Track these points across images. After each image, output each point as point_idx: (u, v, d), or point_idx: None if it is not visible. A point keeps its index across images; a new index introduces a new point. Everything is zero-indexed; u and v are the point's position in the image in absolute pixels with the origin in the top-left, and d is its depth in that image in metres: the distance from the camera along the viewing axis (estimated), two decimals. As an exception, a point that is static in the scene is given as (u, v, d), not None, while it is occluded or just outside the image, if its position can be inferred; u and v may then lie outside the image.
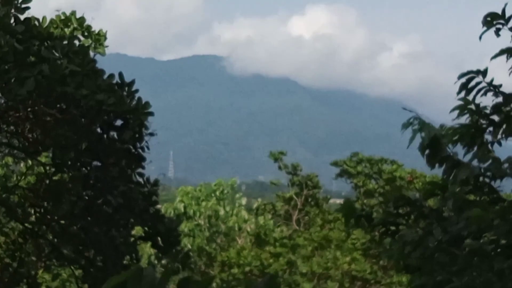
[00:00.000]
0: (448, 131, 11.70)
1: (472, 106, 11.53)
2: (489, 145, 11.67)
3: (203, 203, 49.95)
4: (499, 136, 11.62)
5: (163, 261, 23.79)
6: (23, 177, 21.48)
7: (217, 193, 50.86)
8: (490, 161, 11.55)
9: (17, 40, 16.88)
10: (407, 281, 12.52)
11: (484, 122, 11.57)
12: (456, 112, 11.63)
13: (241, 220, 48.33)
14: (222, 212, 49.53)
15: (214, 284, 38.02)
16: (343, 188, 44.90)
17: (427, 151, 11.78)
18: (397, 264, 13.06)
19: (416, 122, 11.86)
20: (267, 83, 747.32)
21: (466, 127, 11.52)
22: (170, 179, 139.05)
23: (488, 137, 11.71)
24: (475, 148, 11.66)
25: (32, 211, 19.71)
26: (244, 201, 51.26)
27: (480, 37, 11.48)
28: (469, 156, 11.75)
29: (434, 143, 11.74)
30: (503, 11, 11.25)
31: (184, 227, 48.48)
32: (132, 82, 17.90)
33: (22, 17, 17.63)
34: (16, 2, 17.57)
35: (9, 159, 24.49)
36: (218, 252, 43.62)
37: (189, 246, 45.11)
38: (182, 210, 50.60)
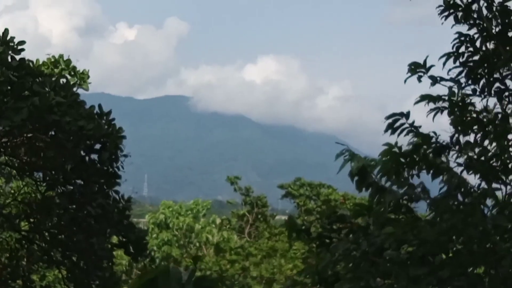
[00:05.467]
0: (371, 162, 11.88)
1: (396, 149, 11.68)
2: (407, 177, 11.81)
3: (181, 218, 50.84)
4: (415, 172, 11.77)
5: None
6: (19, 193, 21.43)
7: (194, 211, 51.71)
8: (406, 187, 11.73)
9: (12, 75, 16.97)
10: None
11: (403, 160, 11.72)
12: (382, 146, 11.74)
13: (210, 234, 48.96)
14: (197, 227, 50.33)
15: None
16: (287, 207, 45.00)
17: (356, 178, 11.93)
18: (313, 278, 13.22)
19: (347, 153, 12.02)
20: (225, 119, 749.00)
21: (390, 162, 11.68)
22: (144, 197, 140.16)
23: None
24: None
25: (27, 222, 19.72)
26: (218, 220, 51.78)
27: (405, 81, 11.66)
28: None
29: (362, 171, 11.91)
30: (425, 61, 11.44)
31: (164, 236, 49.70)
32: (109, 112, 18.05)
33: (17, 57, 17.69)
34: (12, 44, 17.64)
35: (2, 179, 24.42)
36: (183, 258, 43.60)
37: (168, 253, 46.06)
38: (164, 220, 51.16)
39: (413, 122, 11.56)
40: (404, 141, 11.71)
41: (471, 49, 11.36)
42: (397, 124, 11.61)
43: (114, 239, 19.42)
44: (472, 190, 11.41)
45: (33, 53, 18.03)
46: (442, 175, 11.41)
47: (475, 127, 11.42)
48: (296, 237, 13.25)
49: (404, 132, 11.63)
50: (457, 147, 11.60)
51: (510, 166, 11.43)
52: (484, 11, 11.06)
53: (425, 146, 11.59)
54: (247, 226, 47.84)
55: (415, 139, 11.62)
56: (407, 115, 11.54)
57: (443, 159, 11.60)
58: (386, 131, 11.62)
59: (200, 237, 49.53)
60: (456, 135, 11.51)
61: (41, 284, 21.12)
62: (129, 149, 18.27)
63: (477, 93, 11.38)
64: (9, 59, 17.33)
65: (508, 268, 10.91)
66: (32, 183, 20.10)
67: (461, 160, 11.64)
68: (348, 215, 12.77)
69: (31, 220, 19.45)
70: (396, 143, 11.52)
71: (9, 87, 16.91)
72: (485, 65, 11.28)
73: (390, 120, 11.62)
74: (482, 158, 11.44)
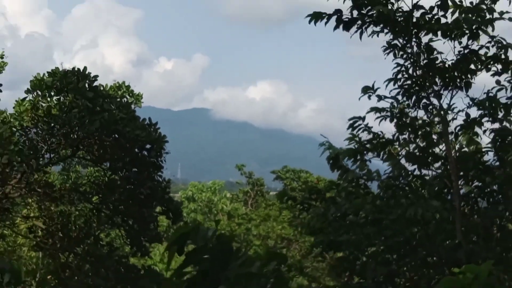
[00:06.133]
0: (342, 151, 11.94)
1: (356, 139, 11.72)
2: (365, 161, 11.87)
3: (204, 194, 51.93)
4: (371, 156, 11.82)
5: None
6: (91, 176, 21.56)
7: (212, 189, 52.69)
8: (365, 170, 11.76)
9: (87, 100, 17.25)
10: (313, 239, 12.57)
11: (362, 147, 11.76)
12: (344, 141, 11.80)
13: (224, 205, 49.79)
14: (215, 200, 51.29)
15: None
16: (277, 186, 45.21)
17: (331, 162, 11.99)
18: (307, 229, 13.24)
19: (327, 144, 12.08)
20: (235, 125, 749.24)
21: (352, 150, 11.72)
22: (178, 179, 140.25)
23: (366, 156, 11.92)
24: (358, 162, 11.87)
25: (97, 197, 19.78)
26: (229, 195, 52.57)
27: (359, 99, 11.66)
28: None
29: (335, 157, 11.96)
30: (373, 85, 11.42)
31: (191, 206, 51.31)
32: (156, 123, 18.17)
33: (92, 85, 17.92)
34: (90, 77, 17.83)
35: (79, 167, 24.57)
36: (207, 221, 44.11)
37: (194, 218, 47.19)
38: (191, 195, 52.50)
39: (367, 123, 11.61)
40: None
41: (406, 75, 11.35)
42: (356, 124, 11.63)
43: (158, 209, 19.50)
44: (409, 173, 11.41)
45: (101, 79, 18.32)
46: (389, 162, 11.40)
47: (410, 129, 11.40)
48: (285, 203, 13.33)
49: (361, 130, 11.64)
50: (397, 143, 11.59)
51: (432, 157, 11.39)
52: (415, 49, 11.03)
53: (374, 141, 11.59)
54: (249, 199, 48.30)
55: (370, 136, 11.66)
56: (363, 118, 11.60)
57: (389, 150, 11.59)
58: (348, 128, 11.67)
59: (217, 207, 50.46)
60: (397, 134, 11.51)
61: (107, 240, 21.13)
62: (168, 146, 18.50)
63: (410, 106, 11.36)
64: (87, 86, 17.70)
65: (433, 229, 10.92)
66: (101, 170, 20.20)
67: (402, 152, 11.64)
68: (322, 189, 12.80)
69: (100, 195, 19.51)
70: (357, 134, 11.59)
71: (86, 106, 17.29)
72: (416, 87, 11.26)
73: (351, 121, 11.64)
74: (415, 151, 11.43)
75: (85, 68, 17.97)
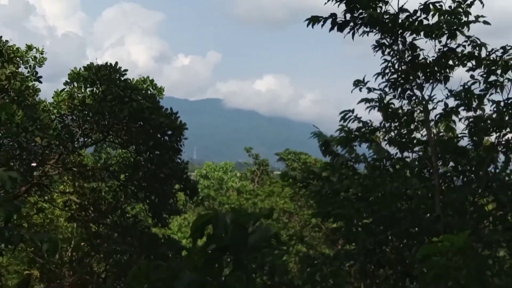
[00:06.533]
0: (334, 138, 11.92)
1: (346, 129, 11.71)
2: (354, 147, 11.86)
3: (216, 172, 51.85)
4: (358, 143, 11.82)
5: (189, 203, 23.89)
6: (120, 157, 21.63)
7: (224, 168, 52.59)
8: (353, 154, 11.74)
9: (119, 89, 17.30)
10: (312, 212, 12.59)
11: (351, 136, 11.75)
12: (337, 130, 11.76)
13: (234, 182, 49.66)
14: (226, 178, 51.19)
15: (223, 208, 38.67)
16: (280, 166, 45.07)
17: (322, 148, 11.98)
18: (306, 203, 13.25)
19: (318, 133, 12.06)
20: (244, 113, 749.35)
21: (343, 138, 11.72)
22: (194, 160, 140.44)
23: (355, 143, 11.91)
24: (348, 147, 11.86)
25: (124, 175, 19.85)
26: (238, 174, 52.52)
27: (352, 91, 11.65)
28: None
29: (325, 144, 11.94)
30: (363, 79, 11.41)
31: (205, 183, 51.18)
32: (177, 112, 18.17)
33: (122, 78, 17.94)
34: (120, 70, 17.87)
35: (109, 149, 24.61)
36: (219, 196, 44.04)
37: (208, 193, 47.25)
38: (205, 173, 52.31)
39: (357, 114, 11.56)
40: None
41: (392, 70, 11.30)
42: (347, 116, 11.59)
43: (177, 186, 19.55)
44: (391, 156, 11.41)
45: (128, 73, 18.40)
46: (373, 147, 11.40)
47: (395, 117, 11.37)
48: (287, 181, 13.32)
49: (351, 121, 11.60)
50: (383, 130, 11.57)
51: (415, 142, 11.37)
52: (400, 47, 10.99)
53: (363, 129, 11.57)
54: (256, 177, 48.10)
55: (359, 124, 11.64)
56: (352, 111, 11.55)
57: (374, 137, 11.57)
58: (340, 120, 11.63)
59: (228, 184, 50.33)
60: (383, 122, 11.48)
61: (132, 213, 21.21)
62: (185, 132, 18.49)
63: (396, 97, 11.33)
64: (118, 80, 17.75)
65: (415, 204, 10.92)
66: (128, 152, 20.25)
67: (386, 137, 11.62)
68: (318, 170, 12.77)
69: (126, 174, 19.57)
70: (347, 124, 11.56)
71: (118, 95, 17.38)
72: (401, 80, 11.23)
73: (343, 114, 11.61)
74: (398, 137, 11.42)
75: (116, 63, 18.01)
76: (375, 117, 11.60)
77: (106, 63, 17.88)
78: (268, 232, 3.59)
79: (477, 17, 10.41)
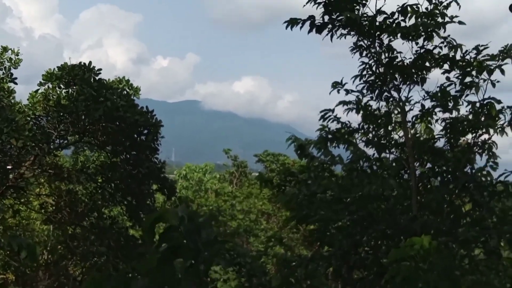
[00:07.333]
0: (310, 141, 11.89)
1: (326, 129, 11.69)
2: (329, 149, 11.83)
3: (195, 174, 51.47)
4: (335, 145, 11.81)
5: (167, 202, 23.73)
6: (97, 159, 21.43)
7: (203, 170, 52.24)
8: (329, 156, 11.72)
9: (92, 89, 17.10)
10: (288, 214, 12.53)
11: (330, 137, 11.73)
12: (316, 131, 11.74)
13: (213, 184, 49.26)
14: (205, 179, 50.80)
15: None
16: (259, 167, 45.03)
17: (298, 152, 11.95)
18: (287, 206, 13.12)
19: (293, 138, 12.02)
20: (222, 114, 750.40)
21: (321, 138, 11.70)
22: (172, 161, 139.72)
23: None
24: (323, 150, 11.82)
25: (100, 177, 19.64)
26: (217, 175, 52.05)
27: (330, 93, 11.63)
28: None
29: (301, 147, 11.90)
30: (341, 80, 11.41)
31: (184, 184, 50.56)
32: (153, 111, 18.02)
33: (97, 78, 17.71)
34: (94, 70, 17.65)
35: (88, 152, 24.38)
36: (197, 198, 43.69)
37: (186, 195, 46.71)
38: (185, 175, 52.45)
39: (336, 114, 11.55)
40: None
41: (370, 72, 11.33)
42: (326, 115, 11.58)
43: (155, 186, 19.39)
44: (369, 157, 11.43)
45: (105, 75, 18.22)
46: (350, 149, 11.40)
47: (372, 119, 11.40)
48: (264, 185, 13.18)
49: (331, 121, 11.60)
50: (362, 131, 11.59)
51: (392, 143, 11.42)
52: (378, 49, 11.02)
53: (343, 131, 11.56)
54: (234, 179, 47.93)
55: (338, 125, 11.63)
56: (332, 110, 11.54)
57: (352, 138, 11.57)
58: (320, 119, 11.61)
59: (206, 186, 50.02)
60: (362, 124, 11.51)
61: (109, 215, 21.00)
62: (164, 133, 18.35)
63: (373, 99, 11.36)
64: (92, 80, 17.54)
65: (392, 204, 10.96)
66: (104, 153, 20.05)
67: (363, 139, 11.64)
68: (296, 172, 12.73)
69: (103, 176, 19.37)
70: (327, 125, 11.53)
71: (91, 95, 17.16)
72: (378, 82, 11.26)
73: (322, 113, 11.60)
74: (375, 139, 11.45)
75: (90, 62, 17.79)
76: (354, 118, 11.63)
77: (80, 62, 17.69)
78: (212, 233, 3.52)
79: (452, 17, 10.48)
